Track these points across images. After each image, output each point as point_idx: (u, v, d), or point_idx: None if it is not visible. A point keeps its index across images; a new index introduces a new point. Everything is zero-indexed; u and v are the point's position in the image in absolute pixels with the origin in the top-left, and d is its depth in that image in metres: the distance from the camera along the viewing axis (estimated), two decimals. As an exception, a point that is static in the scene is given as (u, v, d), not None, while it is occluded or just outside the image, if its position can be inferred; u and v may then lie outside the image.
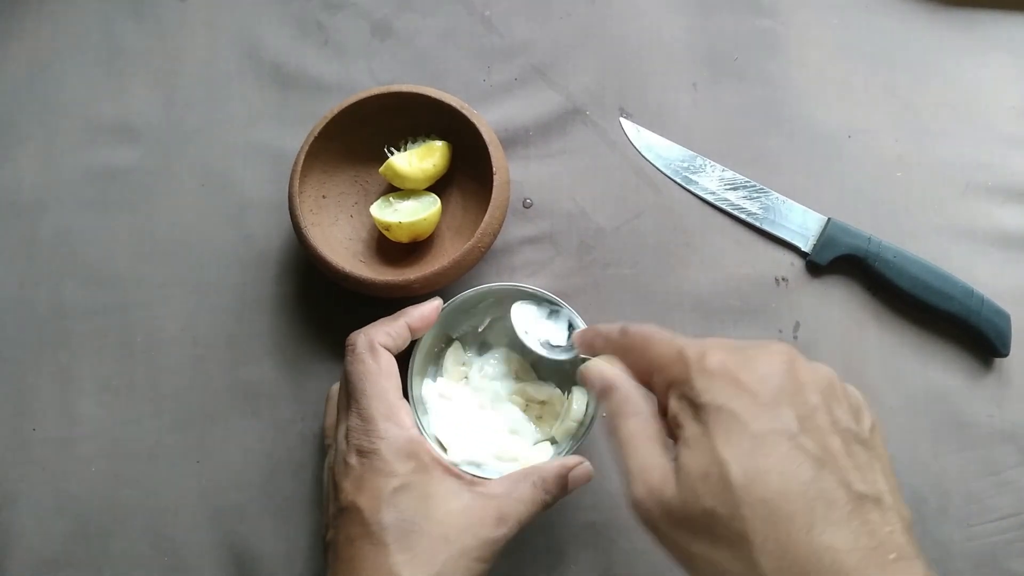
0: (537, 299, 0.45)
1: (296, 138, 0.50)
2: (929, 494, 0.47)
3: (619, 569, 0.46)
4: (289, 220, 0.49)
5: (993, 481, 0.47)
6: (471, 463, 0.43)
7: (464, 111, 0.49)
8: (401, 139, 0.52)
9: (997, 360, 0.49)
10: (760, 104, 0.55)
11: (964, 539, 0.46)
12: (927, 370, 0.49)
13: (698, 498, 0.27)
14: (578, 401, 0.44)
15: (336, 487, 0.38)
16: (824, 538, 0.25)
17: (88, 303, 0.53)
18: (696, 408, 0.28)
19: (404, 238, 0.49)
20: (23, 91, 0.58)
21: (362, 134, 0.51)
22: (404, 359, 0.44)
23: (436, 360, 0.48)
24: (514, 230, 0.53)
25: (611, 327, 0.36)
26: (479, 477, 0.41)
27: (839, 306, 0.51)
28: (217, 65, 0.58)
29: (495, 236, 0.48)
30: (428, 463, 0.38)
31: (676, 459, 0.29)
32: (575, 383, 0.46)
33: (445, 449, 0.44)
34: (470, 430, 0.45)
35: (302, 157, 0.49)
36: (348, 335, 0.43)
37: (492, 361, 0.48)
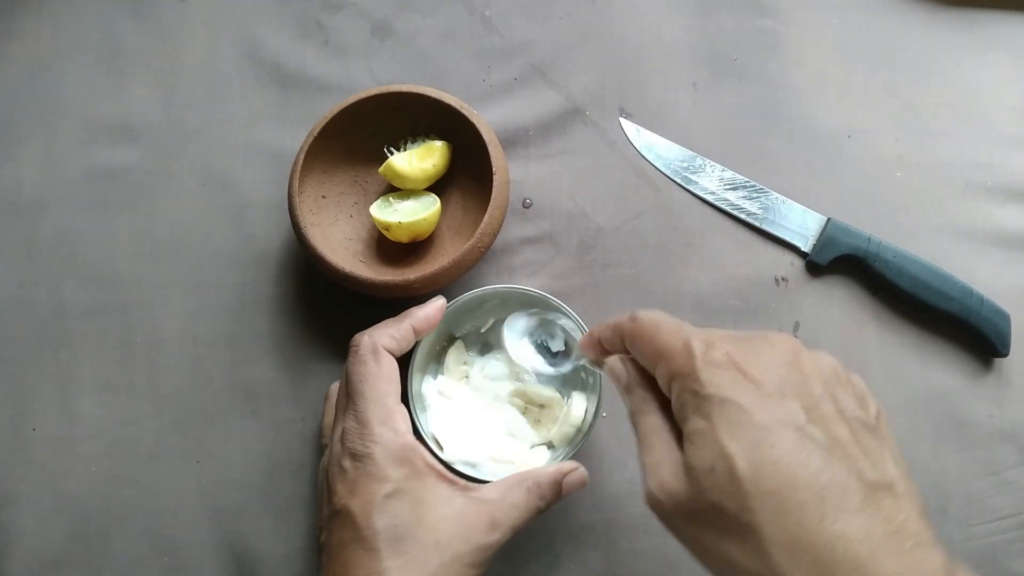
0: (528, 314, 0.45)
1: (296, 138, 0.50)
2: (929, 494, 0.47)
3: (619, 569, 0.46)
4: (289, 220, 0.49)
5: (993, 481, 0.47)
6: (466, 463, 0.43)
7: (464, 111, 0.49)
8: (401, 139, 0.52)
9: (997, 360, 0.49)
10: (760, 104, 0.55)
11: (964, 539, 0.46)
12: (927, 370, 0.49)
13: (706, 492, 0.27)
14: (577, 406, 0.44)
15: (330, 489, 0.38)
16: (837, 527, 0.25)
17: (88, 303, 0.53)
18: (701, 401, 0.28)
19: (404, 238, 0.49)
20: (23, 91, 0.58)
21: (362, 134, 0.51)
22: (406, 355, 0.44)
23: (438, 358, 0.48)
24: (514, 230, 0.53)
25: (620, 316, 0.35)
26: (473, 478, 0.41)
27: (839, 306, 0.51)
28: (217, 65, 0.58)
29: (495, 236, 0.48)
30: (422, 469, 0.38)
31: (683, 453, 0.29)
32: (575, 388, 0.46)
33: (442, 447, 0.44)
34: (468, 430, 0.45)
35: (302, 157, 0.49)
36: (350, 335, 0.43)
37: (493, 362, 0.48)
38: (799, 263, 0.51)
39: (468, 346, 0.49)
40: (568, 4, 0.58)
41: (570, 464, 0.41)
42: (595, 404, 0.44)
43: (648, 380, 0.33)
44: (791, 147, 0.54)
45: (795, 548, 0.25)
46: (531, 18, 0.58)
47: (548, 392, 0.47)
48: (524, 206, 0.53)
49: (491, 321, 0.48)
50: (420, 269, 0.47)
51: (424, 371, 0.47)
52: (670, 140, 0.54)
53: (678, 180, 0.53)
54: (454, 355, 0.48)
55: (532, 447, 0.46)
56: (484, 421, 0.46)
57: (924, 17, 0.57)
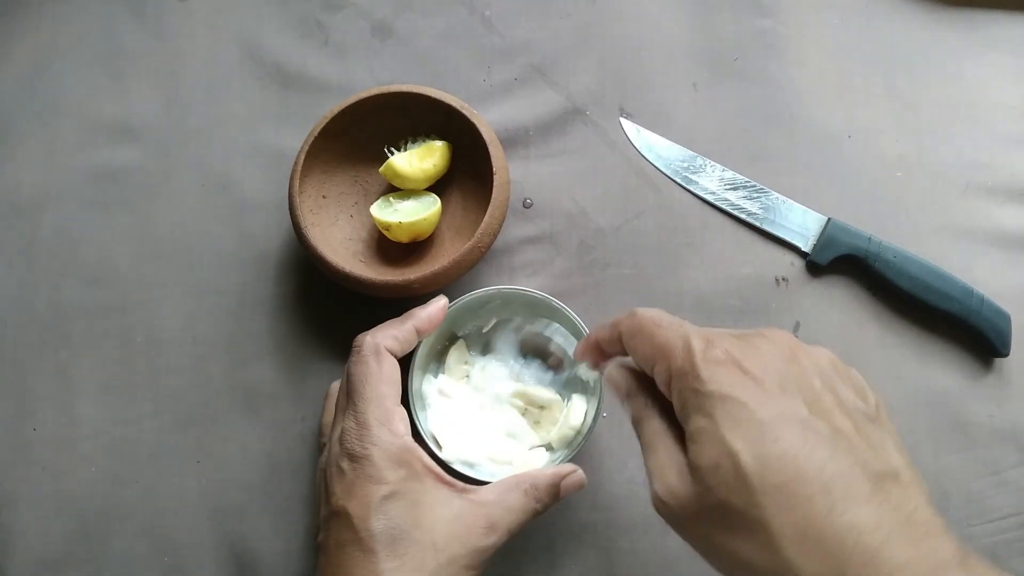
0: (517, 329, 0.45)
1: (296, 138, 0.50)
2: (929, 494, 0.47)
3: (619, 569, 0.46)
4: (289, 220, 0.49)
5: (993, 481, 0.47)
6: (464, 463, 0.43)
7: (464, 111, 0.49)
8: (401, 139, 0.52)
9: (997, 360, 0.49)
10: (760, 104, 0.55)
11: (964, 539, 0.45)
12: (927, 370, 0.49)
13: (712, 490, 0.27)
14: (577, 409, 0.44)
15: (327, 490, 0.38)
16: (847, 518, 0.25)
17: (88, 303, 0.53)
18: (702, 399, 0.28)
19: (404, 238, 0.49)
20: (23, 91, 0.58)
21: (362, 134, 0.51)
22: (407, 353, 0.44)
23: (439, 356, 0.48)
24: (514, 230, 0.53)
25: (619, 316, 0.35)
26: (471, 478, 0.41)
27: (839, 306, 0.51)
28: (217, 65, 0.58)
29: (495, 236, 0.48)
30: (420, 471, 0.38)
31: (687, 454, 0.29)
32: (575, 390, 0.46)
33: (440, 446, 0.44)
34: (467, 429, 0.45)
35: (302, 157, 0.49)
36: (350, 335, 0.43)
37: (494, 362, 0.48)
38: (799, 263, 0.51)
39: (470, 346, 0.49)
40: (568, 4, 0.58)
41: (568, 467, 0.41)
42: (595, 407, 0.44)
43: (647, 386, 0.33)
44: (791, 147, 0.54)
45: (805, 540, 0.25)
46: (531, 18, 0.58)
47: (548, 394, 0.47)
48: (524, 206, 0.53)
49: (493, 321, 0.48)
50: (420, 269, 0.47)
51: (425, 369, 0.47)
52: (670, 140, 0.54)
53: (678, 180, 0.53)
54: (455, 354, 0.48)
55: (531, 448, 0.46)
56: (484, 421, 0.46)
57: (924, 17, 0.57)
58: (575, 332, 0.45)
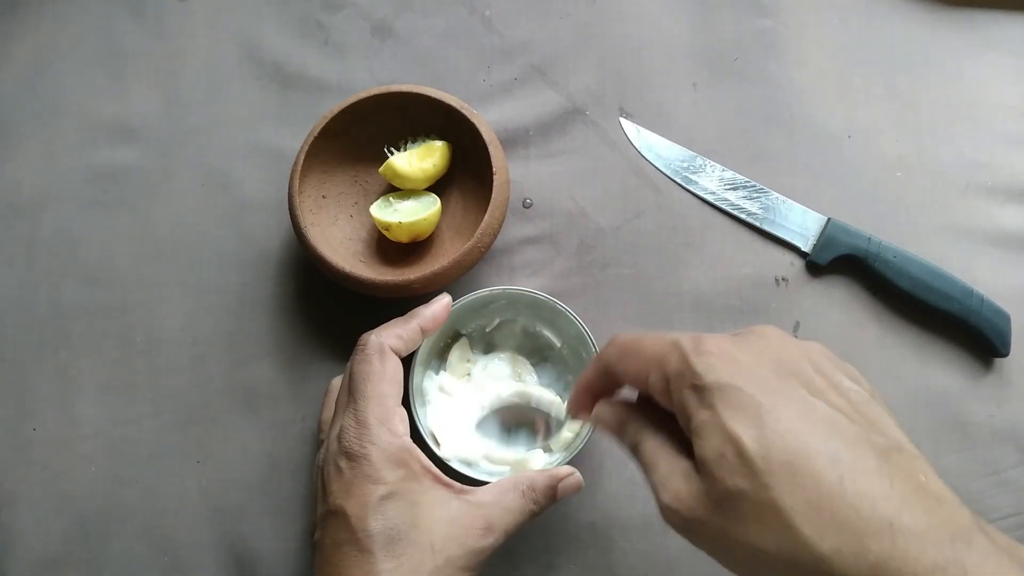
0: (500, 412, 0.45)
1: (296, 138, 0.50)
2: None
3: (619, 569, 0.46)
4: (289, 220, 0.49)
5: (993, 481, 0.47)
6: (462, 461, 0.43)
7: (464, 111, 0.49)
8: (401, 139, 0.52)
9: (997, 360, 0.49)
10: (760, 104, 0.55)
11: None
12: (927, 370, 0.49)
13: (720, 481, 0.26)
14: None
15: (324, 488, 0.38)
16: (859, 487, 0.24)
17: (88, 303, 0.53)
18: (700, 392, 0.28)
19: (404, 238, 0.49)
20: (23, 91, 0.58)
21: (362, 134, 0.51)
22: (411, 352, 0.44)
23: (441, 354, 0.48)
24: (514, 230, 0.53)
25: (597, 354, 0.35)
26: (468, 477, 0.41)
27: (839, 306, 0.51)
28: (217, 65, 0.58)
29: (495, 236, 0.48)
30: (418, 471, 0.38)
31: (691, 459, 0.29)
32: None
33: (439, 444, 0.44)
34: (466, 428, 0.45)
35: (302, 157, 0.49)
36: (350, 335, 0.43)
37: (496, 362, 0.48)
38: (799, 263, 0.51)
39: (472, 344, 0.49)
40: (568, 4, 0.58)
41: (566, 469, 0.41)
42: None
43: (637, 412, 0.33)
44: (791, 147, 0.54)
45: (819, 515, 0.24)
46: (531, 18, 0.58)
47: (549, 395, 0.47)
48: (524, 206, 0.53)
49: (496, 321, 0.48)
50: (420, 269, 0.47)
51: (427, 366, 0.47)
52: (670, 140, 0.54)
53: (678, 180, 0.53)
54: (458, 352, 0.48)
55: (529, 449, 0.46)
56: (483, 420, 0.46)
57: (924, 17, 0.57)
58: (578, 335, 0.45)
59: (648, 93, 0.56)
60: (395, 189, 0.52)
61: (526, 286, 0.47)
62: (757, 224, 0.52)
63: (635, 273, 0.52)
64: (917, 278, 0.49)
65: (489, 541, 0.37)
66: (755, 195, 0.53)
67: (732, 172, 0.53)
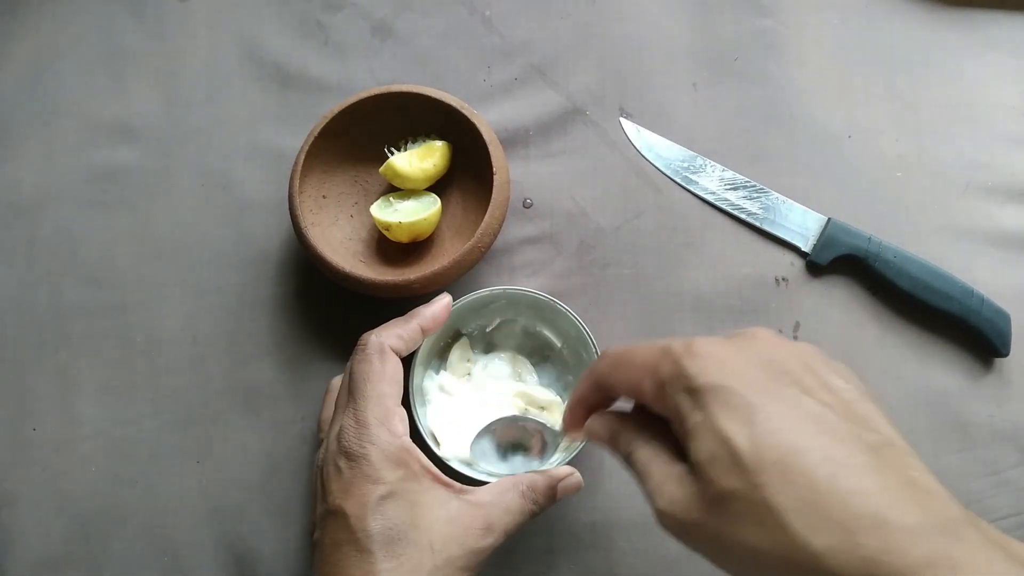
0: (492, 430, 0.44)
1: (296, 138, 0.50)
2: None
3: (619, 569, 0.46)
4: (289, 220, 0.49)
5: (993, 481, 0.47)
6: (462, 461, 0.43)
7: (464, 111, 0.49)
8: (401, 139, 0.52)
9: (997, 360, 0.49)
10: (760, 104, 0.55)
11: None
12: (927, 370, 0.49)
13: (713, 483, 0.27)
14: None
15: (324, 488, 0.38)
16: (850, 483, 0.24)
17: (88, 303, 0.53)
18: (693, 394, 0.28)
19: (404, 238, 0.49)
20: (23, 91, 0.58)
21: (362, 134, 0.51)
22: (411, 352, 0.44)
23: (441, 353, 0.48)
24: (514, 230, 0.53)
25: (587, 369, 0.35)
26: (468, 477, 0.41)
27: (839, 306, 0.51)
28: (217, 65, 0.58)
29: (495, 236, 0.48)
30: (417, 471, 0.38)
31: (684, 463, 0.29)
32: None
33: (439, 443, 0.44)
34: (466, 427, 0.45)
35: (302, 157, 0.49)
36: (350, 335, 0.43)
37: (496, 361, 0.48)
38: (799, 263, 0.51)
39: (472, 344, 0.49)
40: (568, 4, 0.58)
41: (565, 469, 0.41)
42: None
43: (630, 423, 0.33)
44: (791, 147, 0.54)
45: (811, 513, 0.24)
46: (531, 18, 0.58)
47: (549, 395, 0.47)
48: (524, 206, 0.53)
49: (497, 321, 0.48)
50: (420, 269, 0.47)
51: (427, 365, 0.47)
52: (670, 140, 0.54)
53: (678, 180, 0.53)
54: (458, 352, 0.48)
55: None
56: (483, 420, 0.46)
57: (924, 17, 0.57)
58: (578, 336, 0.45)
59: (648, 93, 0.56)
60: (395, 189, 0.52)
61: (526, 286, 0.47)
62: (757, 224, 0.52)
63: (635, 273, 0.52)
64: (917, 278, 0.49)
65: (489, 541, 0.37)
66: (755, 195, 0.53)
67: (732, 172, 0.53)
